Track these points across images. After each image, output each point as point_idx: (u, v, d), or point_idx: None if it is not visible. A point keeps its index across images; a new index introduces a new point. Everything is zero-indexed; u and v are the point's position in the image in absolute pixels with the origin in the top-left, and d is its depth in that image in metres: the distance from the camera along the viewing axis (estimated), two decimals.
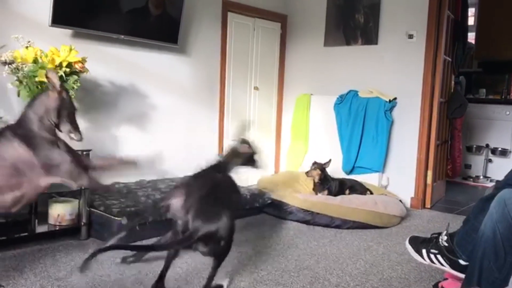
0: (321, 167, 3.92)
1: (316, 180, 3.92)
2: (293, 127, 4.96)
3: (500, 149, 5.73)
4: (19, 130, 1.96)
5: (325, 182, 3.91)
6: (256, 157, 2.43)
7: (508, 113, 5.73)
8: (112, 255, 2.63)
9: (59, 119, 2.07)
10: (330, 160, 3.95)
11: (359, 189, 3.93)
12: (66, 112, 2.09)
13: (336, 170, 4.21)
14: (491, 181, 5.65)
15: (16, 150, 1.90)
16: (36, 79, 2.69)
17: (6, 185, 1.89)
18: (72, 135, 2.12)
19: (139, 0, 3.56)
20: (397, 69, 4.33)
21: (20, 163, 1.90)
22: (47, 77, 2.04)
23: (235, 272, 2.47)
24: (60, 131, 2.09)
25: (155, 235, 2.98)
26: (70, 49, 2.83)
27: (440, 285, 2.29)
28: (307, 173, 3.95)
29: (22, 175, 1.91)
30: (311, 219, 3.51)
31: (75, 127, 2.14)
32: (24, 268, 2.40)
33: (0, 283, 2.17)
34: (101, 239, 2.86)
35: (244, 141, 2.43)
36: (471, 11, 6.18)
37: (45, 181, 1.95)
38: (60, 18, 3.07)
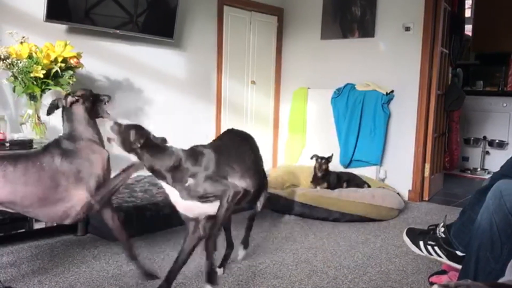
0: (327, 161, 3.91)
1: (320, 174, 3.91)
2: (291, 121, 4.96)
3: (497, 141, 5.74)
4: (66, 143, 1.99)
5: (326, 176, 3.91)
6: None
7: (505, 105, 5.72)
8: (109, 250, 2.64)
9: (95, 112, 2.14)
10: (332, 155, 3.94)
11: (357, 182, 3.93)
12: (95, 103, 2.15)
13: (333, 164, 4.20)
14: (488, 173, 5.65)
15: (54, 162, 1.93)
16: (31, 74, 2.67)
17: (50, 197, 1.92)
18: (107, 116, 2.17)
19: None
20: (394, 61, 4.32)
21: (59, 175, 1.92)
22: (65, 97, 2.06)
23: (233, 266, 2.48)
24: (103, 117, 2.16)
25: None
26: (65, 44, 2.82)
27: (430, 280, 2.29)
28: (315, 168, 3.92)
29: (63, 186, 1.94)
30: (309, 212, 3.51)
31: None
32: (22, 265, 2.40)
33: None
34: (98, 235, 2.85)
35: None
36: (468, 3, 6.17)
37: (80, 194, 1.96)
38: (54, 13, 3.05)
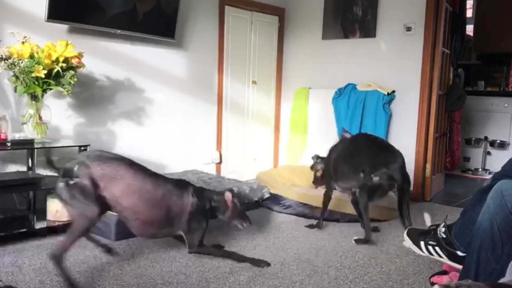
0: (323, 161, 3.88)
1: (319, 174, 3.89)
2: (292, 121, 4.96)
3: (498, 141, 5.73)
4: (199, 197, 2.41)
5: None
6: None
7: (506, 105, 5.72)
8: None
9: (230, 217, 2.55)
10: None
11: None
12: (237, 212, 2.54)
13: None
14: (489, 173, 5.66)
15: (184, 200, 2.37)
16: (33, 74, 2.68)
17: (155, 217, 2.31)
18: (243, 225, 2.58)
19: None
20: (395, 62, 4.32)
21: (176, 211, 2.35)
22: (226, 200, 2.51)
23: (234, 266, 2.48)
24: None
25: None
26: (67, 44, 2.83)
27: (431, 280, 2.29)
28: (312, 167, 3.92)
29: (171, 217, 2.34)
30: (309, 212, 3.51)
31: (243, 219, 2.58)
32: (24, 264, 2.40)
33: None
34: (99, 234, 2.85)
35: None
36: (469, 3, 6.16)
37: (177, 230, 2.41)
38: (56, 13, 3.06)
